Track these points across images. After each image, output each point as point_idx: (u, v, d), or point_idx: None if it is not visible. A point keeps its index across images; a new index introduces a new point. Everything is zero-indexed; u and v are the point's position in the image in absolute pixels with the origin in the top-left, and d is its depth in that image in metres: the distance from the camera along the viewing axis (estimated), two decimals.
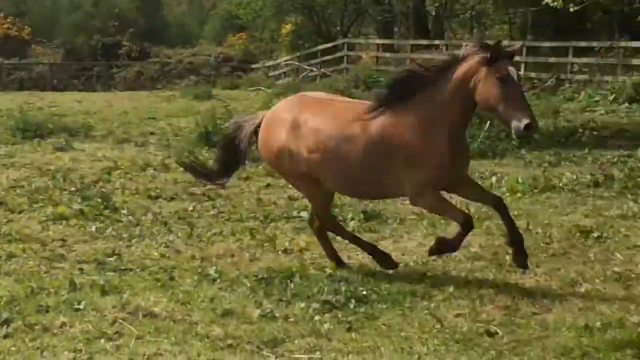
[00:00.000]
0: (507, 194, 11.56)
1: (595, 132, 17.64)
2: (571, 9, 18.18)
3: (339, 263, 8.17)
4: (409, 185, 7.41)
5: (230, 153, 8.38)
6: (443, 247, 7.61)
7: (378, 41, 36.58)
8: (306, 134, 7.69)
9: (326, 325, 6.71)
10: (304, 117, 7.78)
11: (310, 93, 8.61)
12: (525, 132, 6.89)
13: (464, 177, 7.75)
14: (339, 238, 8.47)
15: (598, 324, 6.51)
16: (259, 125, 8.16)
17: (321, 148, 7.62)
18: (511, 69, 7.09)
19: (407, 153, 7.32)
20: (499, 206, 7.46)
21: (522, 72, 26.48)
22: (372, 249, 8.15)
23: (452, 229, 8.87)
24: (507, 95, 6.99)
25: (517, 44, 7.56)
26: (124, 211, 10.78)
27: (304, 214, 10.33)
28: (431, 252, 7.69)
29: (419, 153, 7.29)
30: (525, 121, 6.87)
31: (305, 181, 7.92)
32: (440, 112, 7.27)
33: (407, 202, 11.12)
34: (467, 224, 7.41)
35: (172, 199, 11.78)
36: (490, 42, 7.29)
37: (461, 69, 7.26)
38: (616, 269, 7.97)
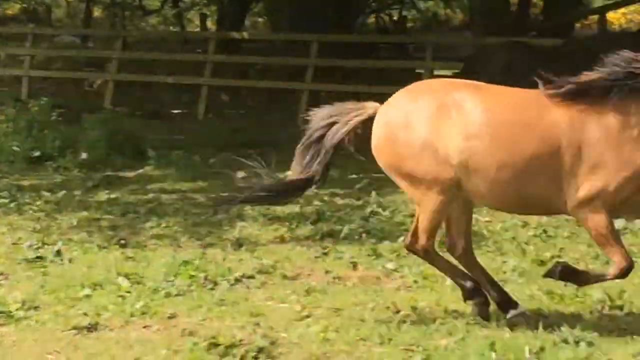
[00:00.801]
0: None
1: None
2: None
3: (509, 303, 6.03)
4: (584, 192, 5.59)
5: (310, 157, 6.11)
6: (569, 275, 5.86)
7: None
8: (462, 118, 5.71)
9: None
10: (457, 97, 5.78)
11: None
12: None
13: None
14: None
15: None
16: (368, 120, 6.04)
17: (485, 136, 5.67)
18: None
19: (597, 155, 5.57)
20: None
21: None
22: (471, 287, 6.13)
23: None
24: None
25: None
26: None
27: None
28: (550, 274, 5.90)
29: (613, 158, 5.55)
30: None
31: (443, 190, 5.82)
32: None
33: None
34: (624, 272, 5.68)
35: None
36: None
37: None
38: None
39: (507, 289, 6.64)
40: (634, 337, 5.55)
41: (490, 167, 5.71)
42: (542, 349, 5.34)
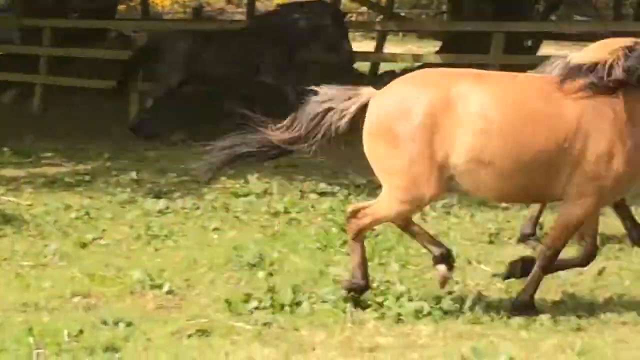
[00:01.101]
0: None
1: None
2: None
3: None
4: (589, 185, 5.64)
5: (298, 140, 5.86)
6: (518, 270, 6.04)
7: None
8: (467, 113, 5.55)
9: None
10: (460, 91, 5.60)
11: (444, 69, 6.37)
12: None
13: None
14: None
15: None
16: (362, 107, 5.79)
17: (491, 132, 5.54)
18: None
19: (613, 146, 5.59)
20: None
21: None
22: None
23: None
24: None
25: None
26: None
27: None
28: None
29: (631, 151, 5.60)
30: None
31: (427, 181, 5.63)
32: None
33: None
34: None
35: None
36: None
37: None
38: None
39: (47, 272, 6.61)
40: (173, 316, 5.72)
41: (500, 161, 5.56)
42: (81, 331, 5.33)
